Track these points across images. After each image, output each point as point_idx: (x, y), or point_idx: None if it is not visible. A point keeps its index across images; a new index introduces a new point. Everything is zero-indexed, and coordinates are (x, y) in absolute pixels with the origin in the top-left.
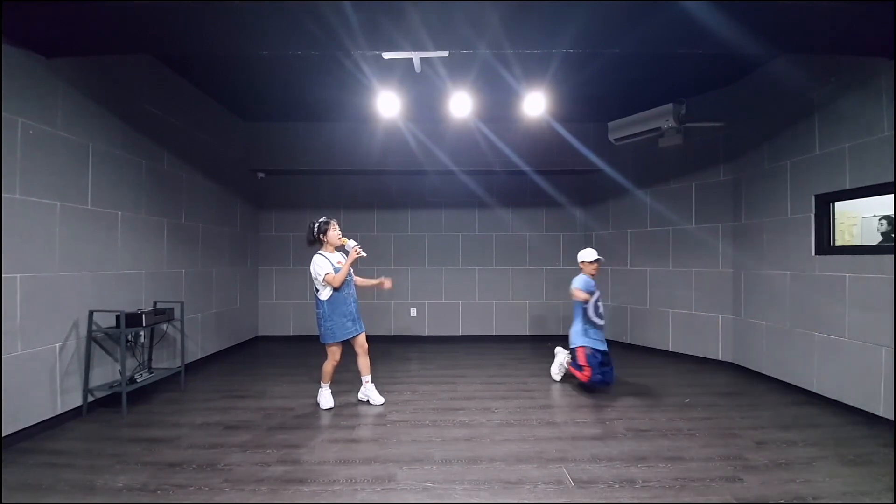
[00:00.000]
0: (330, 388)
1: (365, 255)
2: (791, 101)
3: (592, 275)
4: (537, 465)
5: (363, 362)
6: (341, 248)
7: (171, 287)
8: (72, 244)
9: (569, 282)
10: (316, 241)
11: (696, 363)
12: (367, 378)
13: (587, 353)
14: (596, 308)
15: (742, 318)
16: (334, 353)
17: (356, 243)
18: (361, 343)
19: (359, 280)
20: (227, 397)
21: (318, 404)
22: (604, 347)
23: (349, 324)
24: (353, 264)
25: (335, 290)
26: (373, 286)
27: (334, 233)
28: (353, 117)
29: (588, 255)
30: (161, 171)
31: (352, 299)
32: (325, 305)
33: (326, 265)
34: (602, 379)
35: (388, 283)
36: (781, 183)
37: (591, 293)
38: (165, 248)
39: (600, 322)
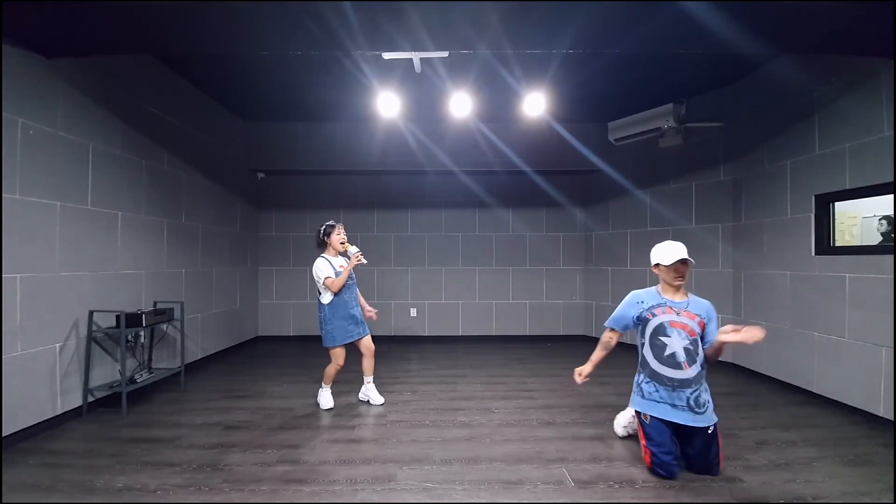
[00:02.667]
0: (330, 388)
1: (365, 262)
2: (791, 101)
3: (675, 286)
4: (537, 466)
5: (368, 364)
6: (345, 254)
7: (171, 287)
8: (72, 244)
9: (569, 282)
10: (322, 244)
11: None
12: (368, 378)
13: (645, 423)
14: (655, 346)
15: (742, 318)
16: (337, 357)
17: (358, 249)
18: (367, 345)
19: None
20: (227, 397)
21: (318, 404)
22: (678, 419)
23: (351, 327)
24: (355, 269)
25: (336, 294)
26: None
27: (337, 237)
28: (353, 117)
29: (662, 253)
30: (161, 171)
31: (354, 303)
32: (326, 309)
33: (327, 269)
34: (669, 468)
35: (356, 259)
36: (781, 183)
37: (642, 318)
38: (165, 248)
39: (670, 373)
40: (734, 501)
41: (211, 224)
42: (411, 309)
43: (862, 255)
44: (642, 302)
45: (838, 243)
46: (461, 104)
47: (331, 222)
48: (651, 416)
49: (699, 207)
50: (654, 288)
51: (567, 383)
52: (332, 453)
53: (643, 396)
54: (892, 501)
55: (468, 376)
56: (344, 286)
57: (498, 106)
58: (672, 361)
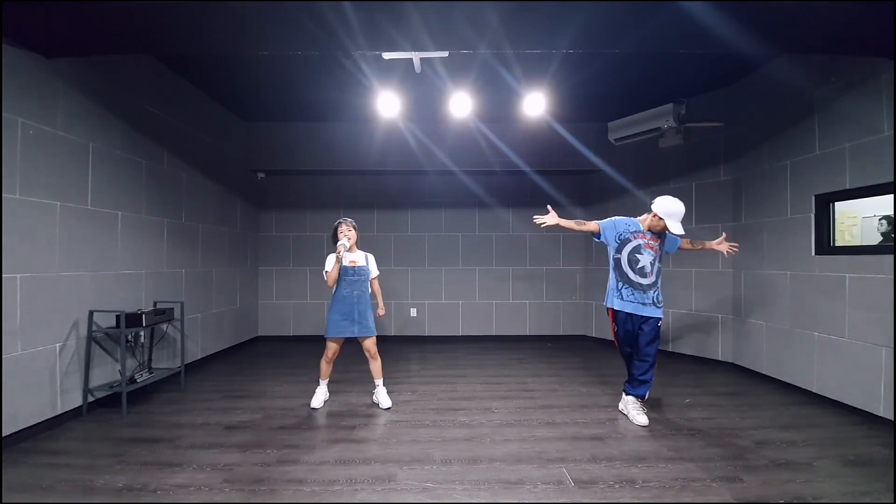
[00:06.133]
0: (327, 387)
1: (343, 252)
2: (791, 101)
3: (655, 231)
4: (537, 465)
5: (372, 368)
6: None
7: (171, 287)
8: (72, 244)
9: (569, 282)
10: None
11: (695, 363)
12: (378, 382)
13: (619, 316)
14: (631, 260)
15: (742, 318)
16: (327, 349)
17: (342, 243)
18: (367, 347)
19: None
20: (227, 397)
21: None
22: (645, 313)
23: (344, 323)
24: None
25: (335, 287)
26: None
27: (340, 234)
28: (353, 117)
29: (668, 212)
30: (161, 171)
31: (354, 301)
32: (332, 299)
33: (329, 262)
34: (624, 348)
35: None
36: (781, 183)
37: (623, 238)
38: (165, 248)
39: (640, 279)
40: (734, 501)
41: (211, 224)
42: (411, 309)
43: (862, 255)
44: (629, 226)
45: (838, 243)
46: (461, 104)
47: (339, 220)
48: (627, 313)
49: (699, 207)
50: (635, 219)
51: (567, 383)
52: (332, 453)
53: (622, 298)
54: (893, 501)
55: (468, 376)
56: (341, 282)
57: (498, 106)
58: (642, 272)
